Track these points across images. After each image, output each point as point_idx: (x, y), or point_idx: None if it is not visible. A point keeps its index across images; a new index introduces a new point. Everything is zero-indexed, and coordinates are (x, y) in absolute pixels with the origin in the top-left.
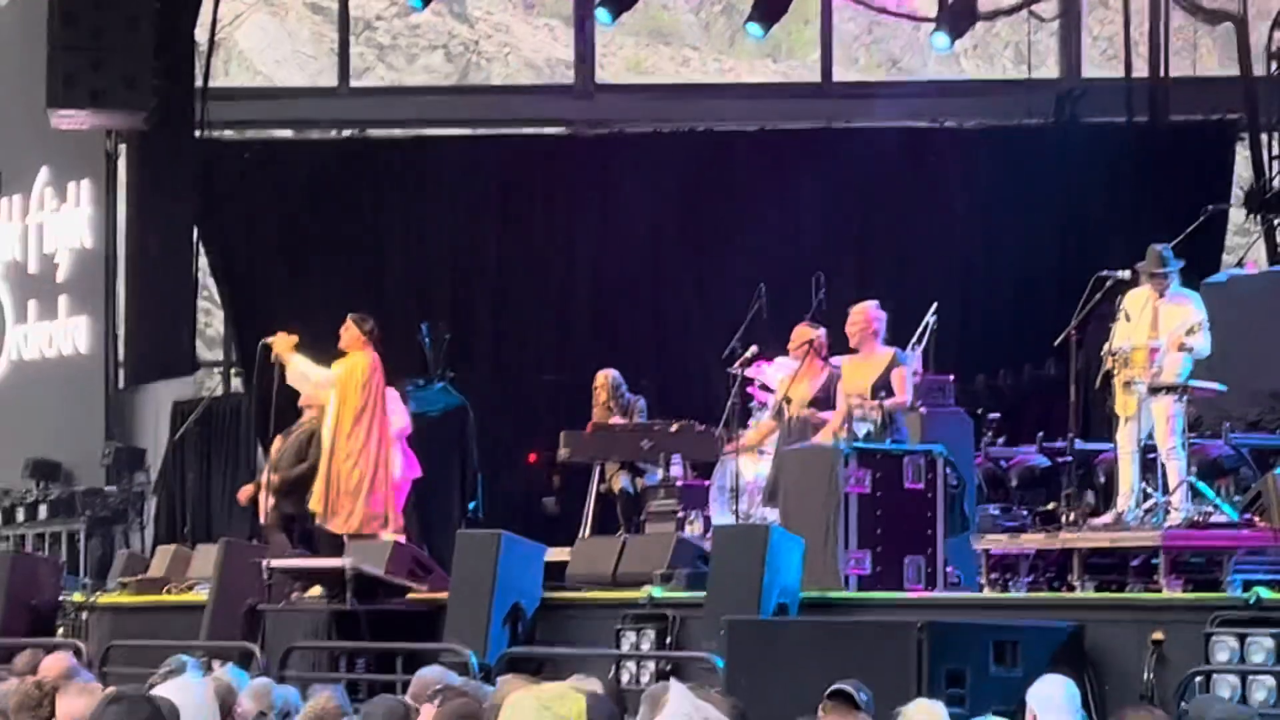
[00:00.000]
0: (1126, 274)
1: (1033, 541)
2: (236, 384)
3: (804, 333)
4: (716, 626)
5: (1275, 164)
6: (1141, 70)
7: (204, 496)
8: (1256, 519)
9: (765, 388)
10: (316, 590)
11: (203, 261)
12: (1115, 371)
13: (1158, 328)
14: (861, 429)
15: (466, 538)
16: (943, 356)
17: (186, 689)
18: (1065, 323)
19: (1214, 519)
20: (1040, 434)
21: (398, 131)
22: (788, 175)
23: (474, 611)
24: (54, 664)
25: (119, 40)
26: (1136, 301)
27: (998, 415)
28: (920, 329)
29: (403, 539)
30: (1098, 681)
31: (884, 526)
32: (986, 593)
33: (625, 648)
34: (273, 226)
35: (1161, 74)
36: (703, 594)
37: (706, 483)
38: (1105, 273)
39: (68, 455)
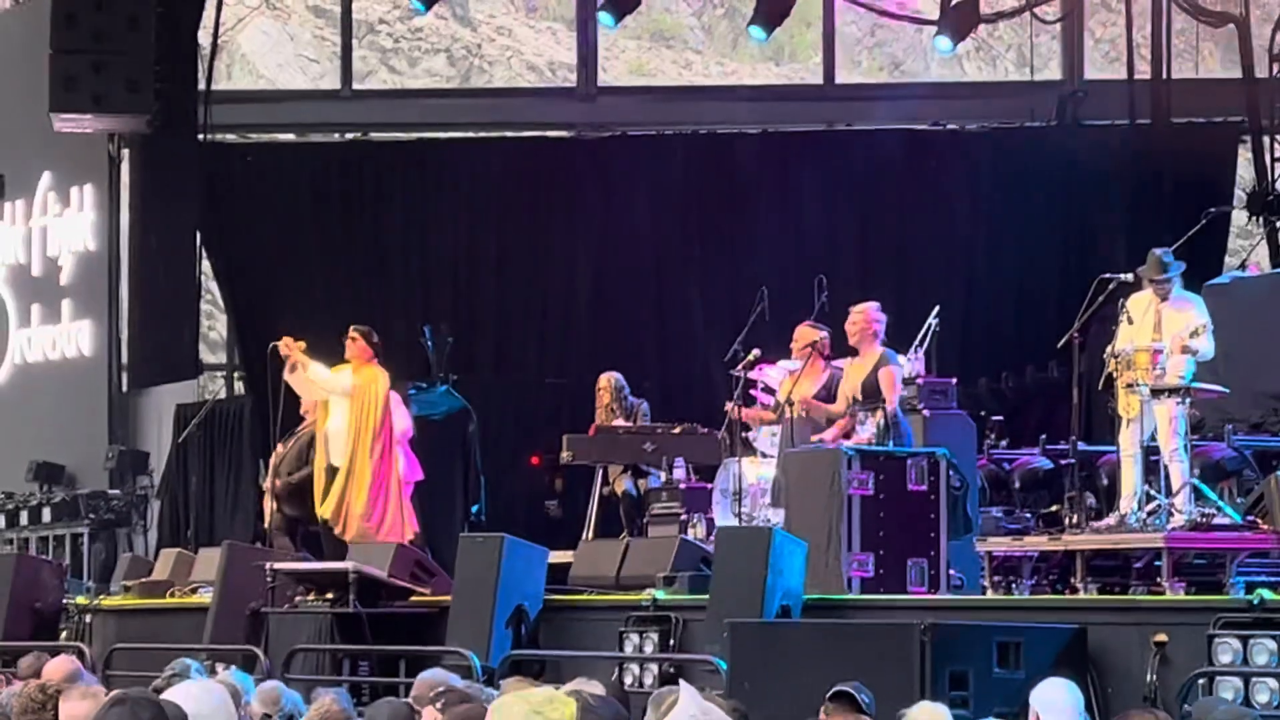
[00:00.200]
0: (1129, 276)
1: (1035, 544)
2: (240, 387)
3: (807, 333)
4: (719, 629)
5: (1277, 166)
6: (1144, 72)
7: (207, 500)
8: (1259, 521)
9: (768, 390)
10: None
11: (205, 265)
12: (1117, 374)
13: (1160, 330)
14: (865, 432)
15: (469, 540)
16: (945, 359)
17: (205, 692)
18: (1068, 325)
19: (1216, 521)
20: (1043, 436)
21: (400, 135)
22: (790, 177)
23: (477, 614)
24: (57, 667)
25: (121, 43)
26: (1139, 304)
27: (1000, 418)
28: (923, 331)
29: (412, 539)
30: (1100, 684)
31: (887, 529)
32: (989, 595)
33: (628, 650)
34: (275, 229)
35: (1164, 76)
36: (706, 596)
37: (709, 485)
38: (1108, 275)
39: (71, 458)
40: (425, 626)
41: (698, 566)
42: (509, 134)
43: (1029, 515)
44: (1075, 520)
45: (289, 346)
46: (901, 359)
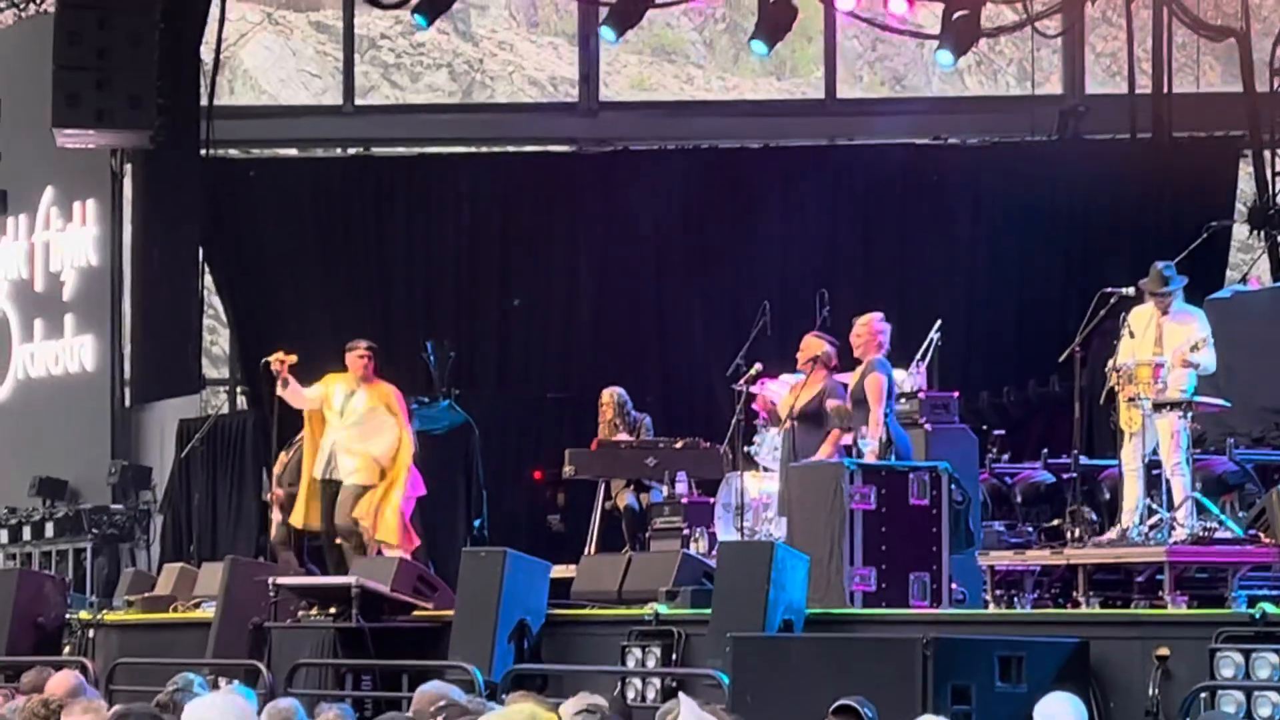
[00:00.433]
0: (1131, 290)
1: (1038, 558)
2: (242, 402)
3: (812, 345)
4: (722, 643)
5: (1278, 180)
6: (1145, 86)
7: (210, 514)
8: (1261, 535)
9: (769, 404)
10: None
11: (208, 280)
12: (1119, 388)
13: (1162, 344)
14: (866, 446)
15: (472, 555)
16: (947, 373)
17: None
18: (1069, 339)
19: (1218, 535)
20: (1045, 450)
21: (402, 150)
22: (792, 192)
23: (479, 629)
24: (60, 682)
25: (124, 59)
26: (1141, 318)
27: (1002, 432)
28: (924, 345)
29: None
30: (1103, 698)
31: (889, 543)
32: (991, 609)
33: (631, 664)
34: (278, 244)
35: (1164, 90)
36: (708, 611)
37: (711, 500)
38: (1109, 289)
39: (74, 473)
40: (428, 641)
41: (700, 581)
42: (511, 149)
43: (1031, 529)
44: (1077, 534)
45: (280, 362)
46: (900, 374)
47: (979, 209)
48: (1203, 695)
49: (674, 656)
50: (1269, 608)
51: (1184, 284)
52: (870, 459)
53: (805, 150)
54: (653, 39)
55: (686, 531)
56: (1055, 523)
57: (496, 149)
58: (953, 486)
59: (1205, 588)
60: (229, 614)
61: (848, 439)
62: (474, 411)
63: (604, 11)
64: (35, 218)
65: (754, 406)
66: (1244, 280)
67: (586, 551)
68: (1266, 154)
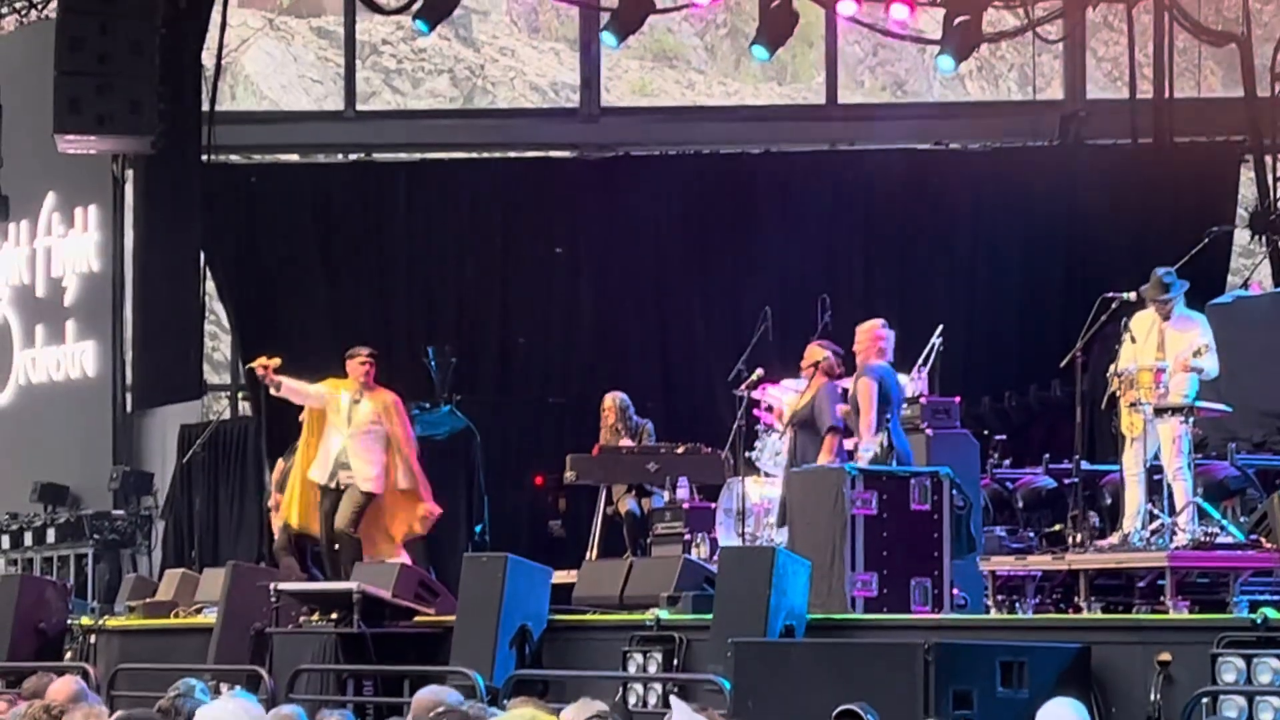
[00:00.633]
0: (1132, 295)
1: (1039, 563)
2: (244, 407)
3: (813, 353)
4: (723, 649)
5: (1279, 185)
6: (1146, 92)
7: (211, 520)
8: (1262, 540)
9: (771, 410)
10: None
11: (209, 285)
12: (1121, 393)
13: (1163, 350)
14: (867, 452)
15: (473, 560)
16: (948, 378)
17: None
18: (1071, 344)
19: (1220, 540)
20: (1046, 455)
21: (403, 155)
22: (793, 197)
23: (481, 634)
24: (62, 687)
25: (125, 65)
26: (1142, 323)
27: (1004, 437)
28: (926, 351)
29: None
30: (1104, 703)
31: (890, 548)
32: (993, 614)
33: (632, 670)
34: (279, 250)
35: (1166, 95)
36: (709, 616)
37: (713, 505)
38: (1110, 294)
39: (76, 479)
40: (429, 646)
41: (701, 586)
42: (512, 154)
43: (1032, 534)
44: (1079, 539)
45: (264, 367)
46: (902, 379)
47: (980, 214)
48: (1204, 700)
49: (675, 662)
50: (1270, 613)
51: (1185, 289)
52: (862, 463)
53: (806, 155)
54: (654, 44)
55: (688, 537)
56: (1057, 528)
57: (498, 154)
58: (954, 492)
59: (1207, 593)
60: (230, 619)
61: (850, 443)
62: (475, 417)
63: (605, 17)
64: (37, 223)
65: (756, 412)
66: (1245, 285)
67: (588, 557)
68: (1268, 159)
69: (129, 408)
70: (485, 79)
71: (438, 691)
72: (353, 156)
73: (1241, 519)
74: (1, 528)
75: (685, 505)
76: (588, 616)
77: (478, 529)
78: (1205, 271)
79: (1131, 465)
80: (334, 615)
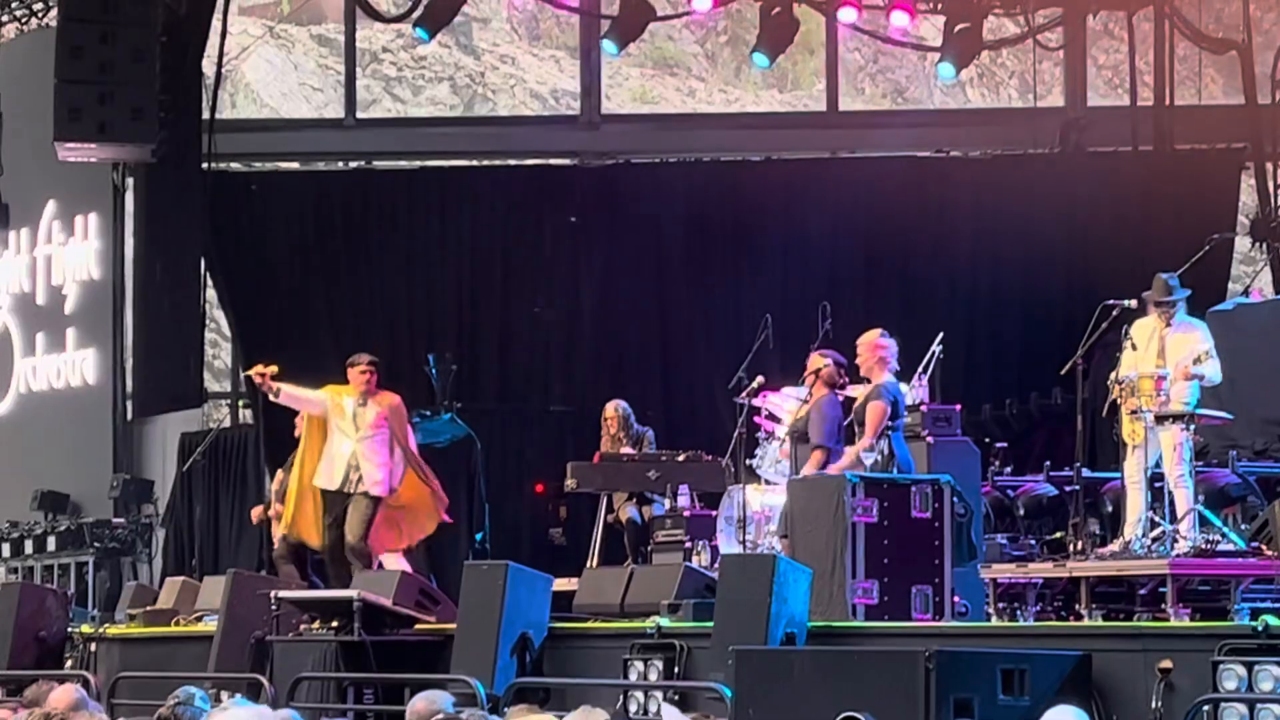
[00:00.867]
0: (1133, 303)
1: (1040, 570)
2: (244, 415)
3: (813, 361)
4: (724, 656)
5: None
6: (1146, 99)
7: (212, 528)
8: (1264, 547)
9: (772, 417)
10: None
11: (210, 293)
12: (1121, 400)
13: (1165, 356)
14: (869, 459)
15: (474, 568)
16: (949, 386)
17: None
18: (1071, 351)
19: (1221, 547)
20: (1047, 463)
21: (404, 163)
22: (794, 205)
23: (481, 642)
24: (63, 696)
25: (126, 73)
26: (1143, 330)
27: (1004, 444)
28: (926, 359)
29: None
30: (1105, 711)
31: (891, 556)
32: (994, 622)
33: (633, 678)
34: (280, 258)
35: (1166, 103)
36: (710, 624)
37: (713, 513)
38: (1111, 301)
39: (76, 487)
40: (430, 654)
41: (702, 594)
42: (512, 162)
43: (1033, 542)
44: (1080, 547)
45: (261, 374)
46: (904, 387)
47: (980, 221)
48: (1205, 708)
49: (676, 670)
50: (1272, 620)
51: (1186, 296)
52: (872, 456)
53: (807, 163)
54: (654, 52)
55: (688, 544)
56: (1058, 535)
57: (498, 162)
58: (955, 499)
59: (1208, 600)
60: (231, 628)
61: (835, 468)
62: (476, 425)
63: (606, 24)
64: (37, 231)
65: (757, 420)
66: (1246, 292)
67: (588, 564)
68: (1268, 166)
69: (129, 415)
70: (485, 87)
71: (432, 698)
72: (353, 164)
73: (1243, 526)
74: (2, 535)
75: (686, 513)
76: (588, 624)
77: (478, 537)
78: (1206, 279)
79: (1133, 472)
80: (335, 623)
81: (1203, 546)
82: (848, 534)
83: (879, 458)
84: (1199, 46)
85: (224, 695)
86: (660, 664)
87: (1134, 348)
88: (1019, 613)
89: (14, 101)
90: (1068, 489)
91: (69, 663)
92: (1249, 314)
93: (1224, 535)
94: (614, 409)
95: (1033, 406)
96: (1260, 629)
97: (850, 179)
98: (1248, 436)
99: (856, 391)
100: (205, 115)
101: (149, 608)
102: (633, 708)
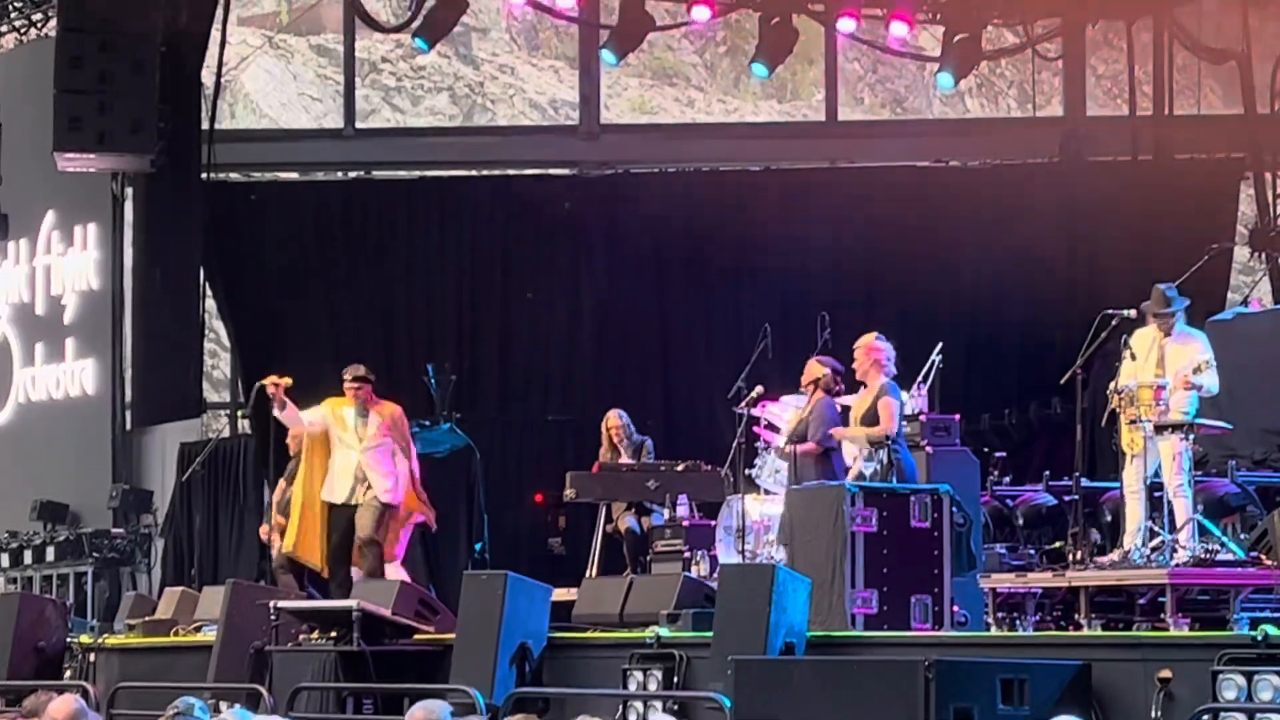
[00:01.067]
0: (1132, 312)
1: (1039, 580)
2: (243, 426)
3: (812, 369)
4: (723, 666)
5: (1279, 202)
6: (1146, 109)
7: (211, 538)
8: (1263, 557)
9: (771, 427)
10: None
11: (209, 303)
12: (1121, 410)
13: (1164, 366)
14: (868, 468)
15: (473, 578)
16: (948, 396)
17: None
18: (1071, 361)
19: (1220, 557)
20: (1046, 473)
21: (403, 173)
22: (793, 215)
23: (481, 652)
24: (62, 706)
25: (125, 83)
26: (1143, 340)
27: (1004, 454)
28: (926, 368)
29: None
30: None
31: (890, 565)
32: (993, 631)
33: (632, 688)
34: (279, 268)
35: (1165, 113)
36: (709, 634)
37: (712, 523)
38: (1110, 311)
39: (75, 497)
40: (429, 664)
41: (701, 604)
42: (512, 172)
43: (1033, 551)
44: (1079, 556)
45: (275, 385)
46: (904, 395)
47: (979, 231)
48: (1205, 718)
49: (675, 680)
50: (1271, 630)
51: (1186, 306)
52: (873, 465)
53: (806, 173)
54: (654, 62)
55: (688, 554)
56: (1057, 545)
57: (497, 172)
58: (954, 509)
59: (1207, 610)
60: (230, 638)
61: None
62: (475, 434)
63: (605, 35)
64: (36, 241)
65: (756, 430)
66: (1245, 302)
67: (588, 574)
68: (1267, 176)
69: (128, 426)
70: (485, 97)
71: (431, 707)
72: (352, 174)
73: (1242, 536)
74: (1, 546)
75: (685, 523)
76: (588, 634)
77: (477, 547)
78: (1205, 288)
79: (1132, 482)
80: (334, 633)
81: (1202, 556)
82: (847, 543)
83: (879, 467)
84: (1198, 57)
85: (223, 705)
86: (659, 674)
87: (1133, 357)
88: (1018, 622)
89: (13, 112)
90: (1067, 499)
91: (68, 673)
92: (1248, 324)
93: (1223, 545)
94: (616, 418)
95: (1032, 416)
96: (1260, 639)
97: (849, 189)
98: (1247, 446)
99: (850, 400)
100: (204, 125)
101: (148, 618)
102: (632, 717)
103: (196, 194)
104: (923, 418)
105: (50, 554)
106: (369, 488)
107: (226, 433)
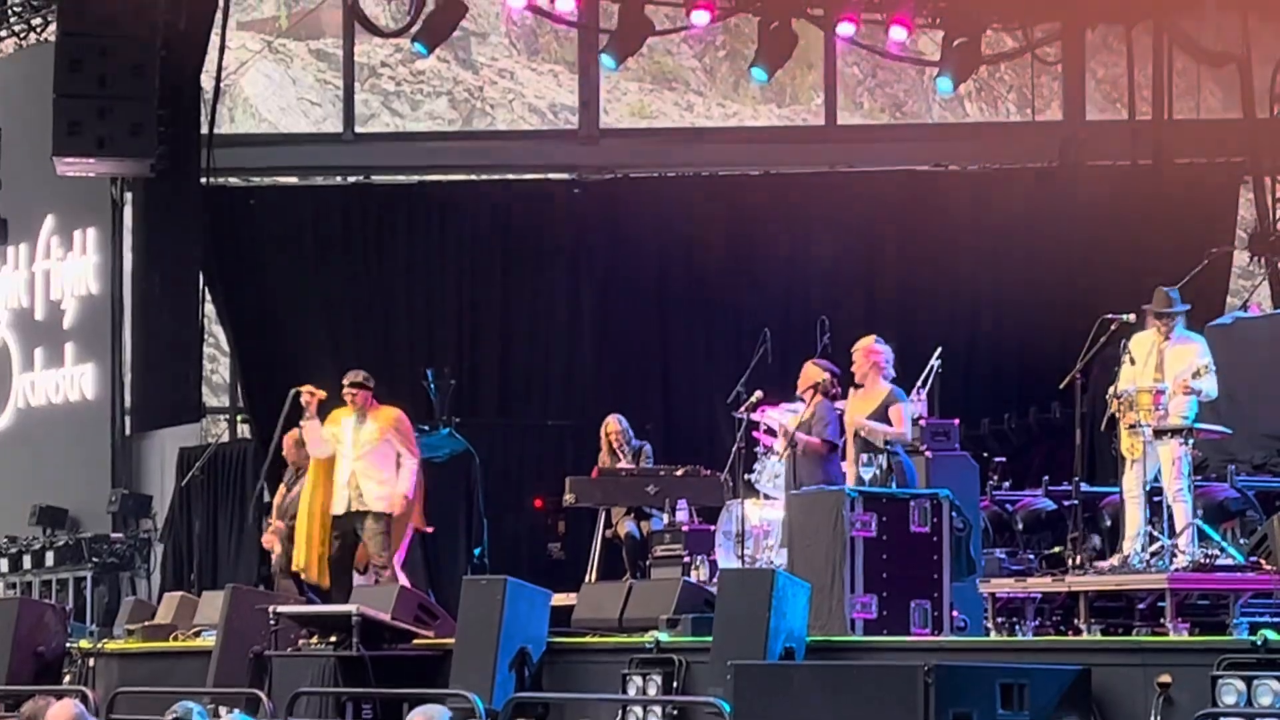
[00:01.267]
0: (1132, 317)
1: (1039, 585)
2: (243, 430)
3: (811, 373)
4: (723, 671)
5: (1278, 206)
6: (1145, 113)
7: (210, 543)
8: (1262, 562)
9: (770, 432)
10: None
11: (209, 308)
12: (1120, 414)
13: (1163, 371)
14: (867, 473)
15: (472, 583)
16: (948, 400)
17: None
18: (1070, 366)
19: (1220, 562)
20: (1046, 477)
21: (402, 177)
22: (792, 219)
23: (480, 657)
24: (61, 711)
25: (125, 88)
26: (1142, 344)
27: (1003, 459)
28: (925, 373)
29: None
30: None
31: (890, 570)
32: (993, 636)
33: (632, 693)
34: (278, 272)
35: (1165, 117)
36: (709, 639)
37: (712, 527)
38: (1110, 315)
39: (74, 502)
40: (429, 669)
41: (701, 608)
42: (511, 176)
43: (1032, 556)
44: (1078, 561)
45: (310, 394)
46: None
47: (980, 235)
48: None
49: (675, 685)
50: (1271, 635)
51: (1185, 310)
52: (873, 469)
53: (806, 177)
54: (653, 66)
55: (687, 559)
56: (1056, 550)
57: (497, 176)
58: (954, 514)
59: (1207, 615)
60: (229, 642)
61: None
62: (474, 439)
63: (604, 39)
64: (36, 246)
65: (756, 435)
66: (1245, 306)
67: (587, 579)
68: (1267, 180)
69: (128, 430)
70: (484, 101)
71: (430, 713)
72: (352, 179)
73: (1241, 541)
74: (0, 551)
75: (684, 527)
76: (587, 639)
77: (477, 551)
78: (1205, 293)
79: (1131, 487)
80: (333, 638)
81: (1201, 561)
82: (846, 548)
83: (878, 471)
84: (1197, 61)
85: (223, 710)
86: (659, 679)
87: (1132, 362)
88: (1018, 627)
89: (13, 116)
90: (1066, 503)
91: (67, 678)
92: (1248, 328)
93: (1223, 550)
94: (616, 423)
95: (1031, 421)
96: (1259, 643)
97: (849, 193)
98: (1246, 451)
99: (842, 405)
100: (204, 130)
101: (147, 623)
102: None
103: (196, 198)
104: (922, 422)
105: (50, 559)
106: (361, 494)
107: (226, 437)
